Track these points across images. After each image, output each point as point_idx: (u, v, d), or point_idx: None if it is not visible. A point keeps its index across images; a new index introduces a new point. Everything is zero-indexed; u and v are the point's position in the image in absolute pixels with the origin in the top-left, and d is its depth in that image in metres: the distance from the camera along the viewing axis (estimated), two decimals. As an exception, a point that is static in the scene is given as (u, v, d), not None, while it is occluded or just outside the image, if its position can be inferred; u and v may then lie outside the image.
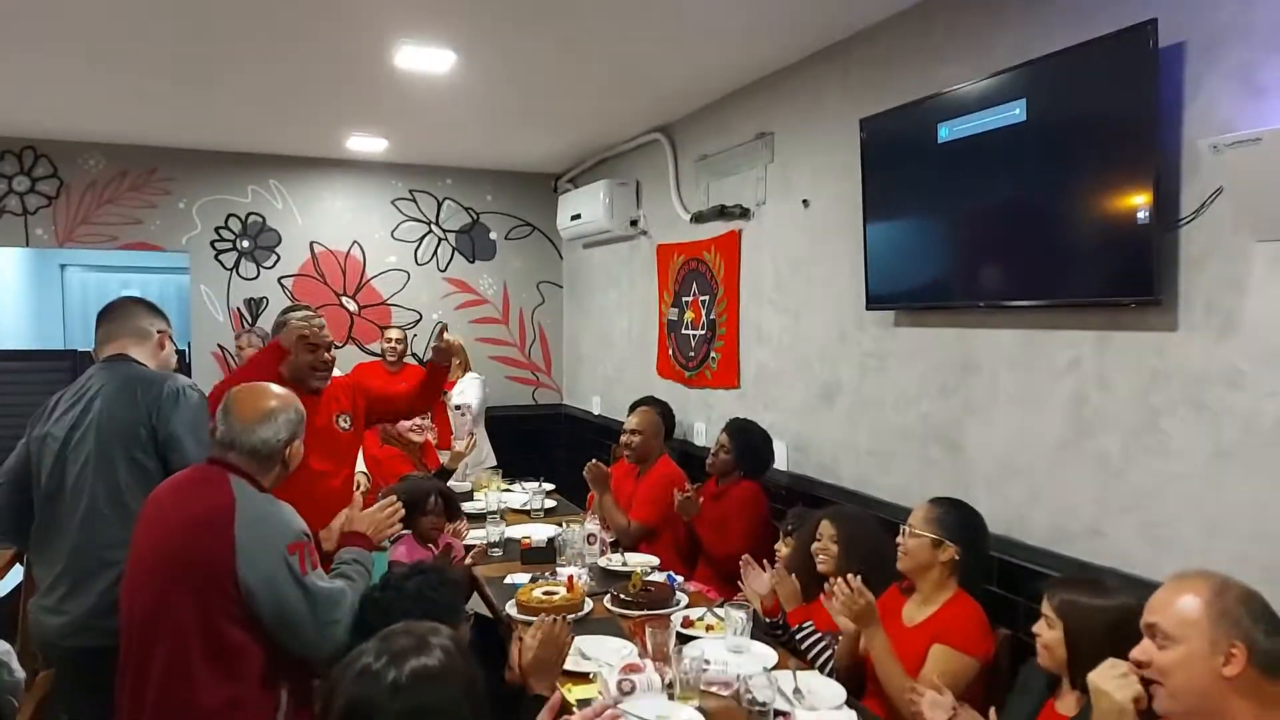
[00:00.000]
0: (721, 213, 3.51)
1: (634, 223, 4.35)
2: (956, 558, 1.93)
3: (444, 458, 3.62)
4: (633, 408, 3.64)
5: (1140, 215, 1.86)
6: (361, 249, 5.11)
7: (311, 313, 2.52)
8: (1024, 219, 2.12)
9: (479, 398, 4.38)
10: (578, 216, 4.60)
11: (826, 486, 2.93)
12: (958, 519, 1.96)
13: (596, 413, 4.99)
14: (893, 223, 2.59)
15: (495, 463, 4.51)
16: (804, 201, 3.04)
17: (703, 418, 3.78)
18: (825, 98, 2.93)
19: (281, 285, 4.98)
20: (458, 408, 3.70)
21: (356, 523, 1.92)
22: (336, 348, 4.92)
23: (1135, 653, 1.26)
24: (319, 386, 2.47)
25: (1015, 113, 2.10)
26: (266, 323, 4.66)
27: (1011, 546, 2.23)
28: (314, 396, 2.46)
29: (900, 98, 2.50)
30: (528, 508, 3.44)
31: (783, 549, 2.39)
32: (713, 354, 3.65)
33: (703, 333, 3.73)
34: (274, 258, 4.97)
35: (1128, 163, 1.87)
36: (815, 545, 2.15)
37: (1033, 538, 2.19)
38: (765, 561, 2.36)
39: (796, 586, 2.19)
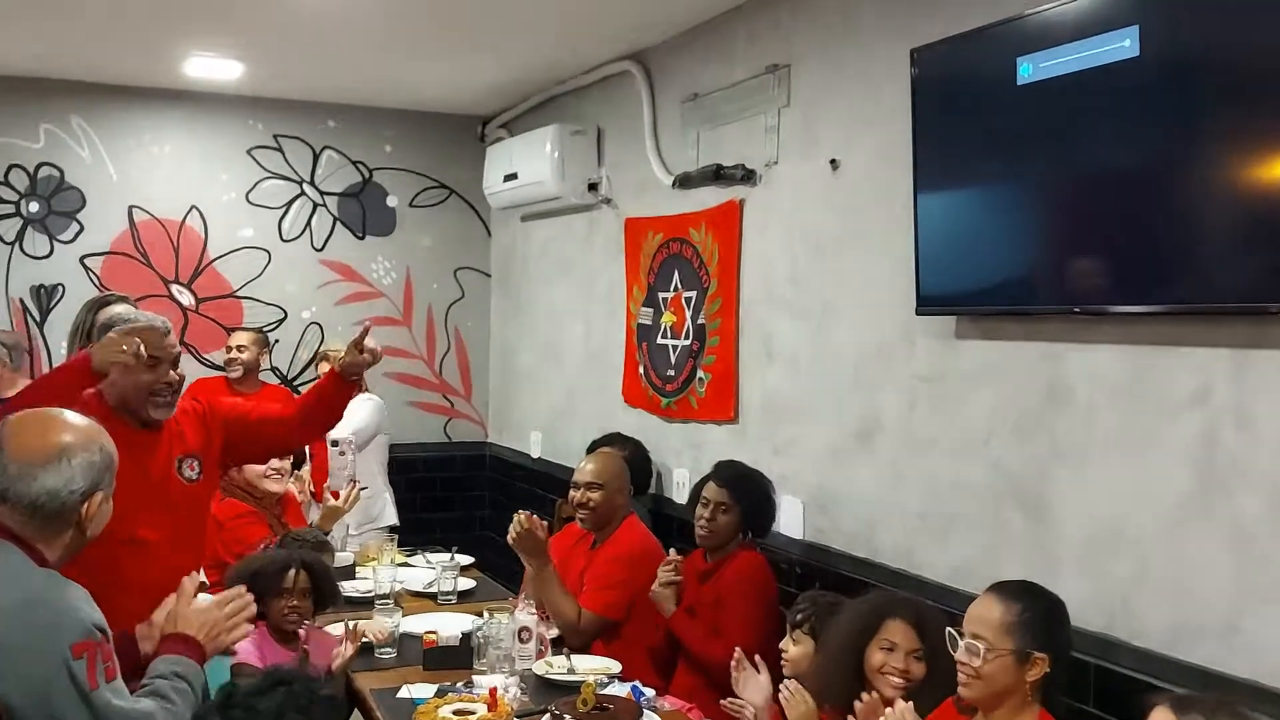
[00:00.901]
0: (717, 175, 3.53)
1: (593, 187, 4.37)
2: (1048, 671, 1.91)
3: (315, 516, 3.57)
4: (590, 450, 3.65)
5: (1292, 189, 1.89)
6: (203, 218, 5.08)
7: (133, 311, 2.46)
8: (1135, 192, 2.15)
9: (371, 427, 4.38)
10: (513, 177, 4.61)
11: (857, 563, 2.94)
12: (1043, 613, 1.94)
13: (536, 455, 5.00)
14: (955, 194, 2.60)
15: (394, 522, 4.52)
16: (831, 162, 3.05)
17: (686, 463, 3.78)
18: (862, 18, 2.96)
19: (85, 267, 4.92)
20: (335, 443, 3.66)
21: (184, 620, 1.86)
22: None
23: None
24: (160, 418, 2.42)
25: (1125, 45, 2.13)
26: (63, 320, 4.56)
27: (1113, 649, 2.24)
28: (147, 432, 2.41)
29: (966, 21, 2.52)
30: (434, 589, 3.43)
31: (791, 648, 2.38)
32: (700, 373, 3.66)
33: (687, 343, 3.74)
34: (75, 228, 4.90)
35: (1271, 116, 1.89)
36: (883, 656, 2.11)
37: (1143, 637, 2.20)
38: (759, 658, 2.36)
39: (812, 706, 2.17)
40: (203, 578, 2.63)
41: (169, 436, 2.46)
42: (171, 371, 2.40)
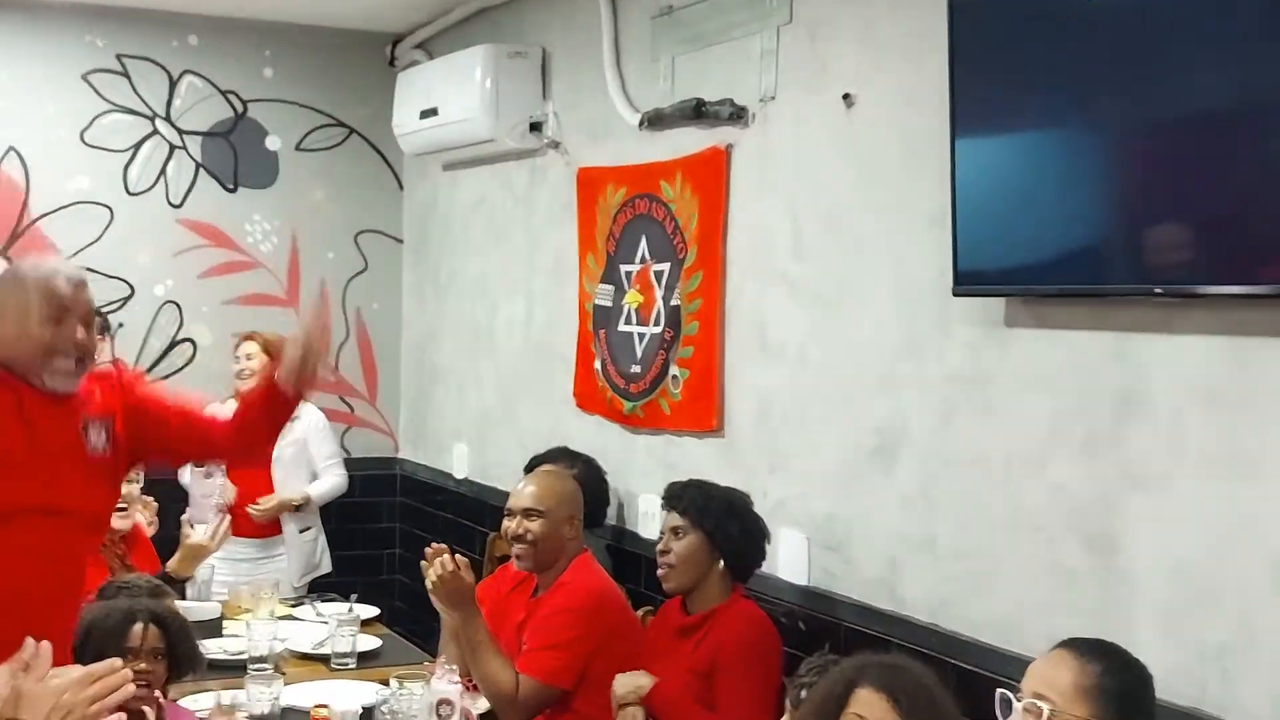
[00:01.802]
0: (698, 113, 3.52)
1: (536, 127, 4.37)
2: None
3: (191, 548, 3.60)
4: (528, 469, 3.64)
5: None
6: (23, 162, 5.03)
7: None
8: (1239, 140, 2.15)
9: (340, 482, 4.73)
10: (432, 113, 4.60)
11: (876, 617, 2.95)
12: (1129, 682, 1.95)
13: (461, 475, 5.01)
14: (1004, 141, 2.60)
15: (329, 569, 4.75)
16: (845, 97, 3.06)
17: (655, 486, 3.74)
18: (886, -88, 2.98)
19: None
20: (199, 462, 3.63)
21: (30, 702, 1.79)
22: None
23: None
24: (57, 388, 2.45)
25: (1224, -51, 2.15)
26: None
27: (1207, 727, 2.26)
28: (49, 399, 2.45)
29: (1020, -84, 2.55)
30: (326, 650, 3.42)
31: None
32: (675, 370, 3.65)
33: (658, 331, 3.74)
34: None
35: None
36: None
37: (1242, 712, 2.21)
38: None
39: None
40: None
41: (76, 400, 2.51)
42: (81, 330, 2.42)
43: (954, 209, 2.63)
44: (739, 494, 3.10)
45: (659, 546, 3.04)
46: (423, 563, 3.00)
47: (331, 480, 4.68)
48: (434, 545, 3.01)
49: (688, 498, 3.03)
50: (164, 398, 2.76)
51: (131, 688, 1.90)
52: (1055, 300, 2.56)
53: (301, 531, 4.61)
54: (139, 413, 2.63)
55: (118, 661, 1.92)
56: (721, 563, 2.99)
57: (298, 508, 4.57)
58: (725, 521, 3.00)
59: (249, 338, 4.59)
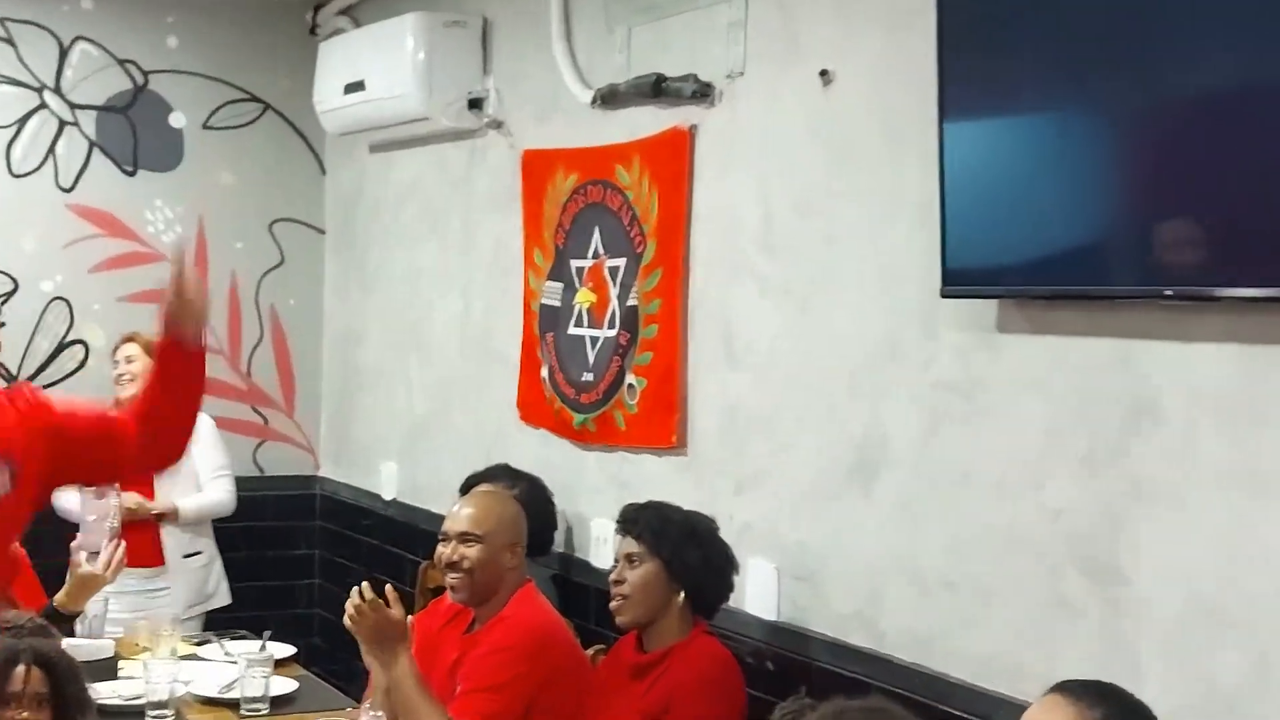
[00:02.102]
0: (657, 91, 3.54)
1: (476, 104, 4.37)
2: None
3: (82, 580, 3.47)
4: (466, 488, 3.62)
5: None
6: (-111, 139, 5.00)
7: None
8: (1258, 126, 2.15)
9: (223, 497, 4.64)
10: (358, 87, 4.59)
11: (854, 655, 2.96)
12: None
13: (389, 496, 5.00)
14: (998, 124, 2.62)
15: (228, 600, 4.68)
16: (822, 74, 3.07)
17: (609, 508, 3.74)
18: None
19: None
20: (100, 494, 3.60)
21: None
22: None
23: None
24: None
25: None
26: None
27: (1220, 776, 2.27)
28: None
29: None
30: (234, 695, 3.38)
31: None
32: (631, 379, 3.66)
33: (612, 335, 3.75)
34: None
35: None
36: None
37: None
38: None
39: None
40: None
41: None
42: None
43: (942, 199, 2.64)
44: (702, 518, 3.09)
45: (612, 576, 3.03)
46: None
47: (215, 495, 4.59)
48: (361, 585, 2.97)
49: (644, 521, 3.02)
50: (77, 411, 2.76)
51: None
52: (1053, 302, 2.58)
53: (186, 556, 4.52)
54: (56, 438, 2.62)
55: None
56: (681, 595, 2.98)
57: (160, 517, 4.44)
58: (685, 548, 2.99)
59: (130, 339, 4.55)
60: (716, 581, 3.03)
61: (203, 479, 4.57)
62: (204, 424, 4.53)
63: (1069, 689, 1.98)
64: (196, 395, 2.80)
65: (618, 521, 3.10)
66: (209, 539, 4.65)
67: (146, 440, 2.82)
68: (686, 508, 3.13)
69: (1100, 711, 1.92)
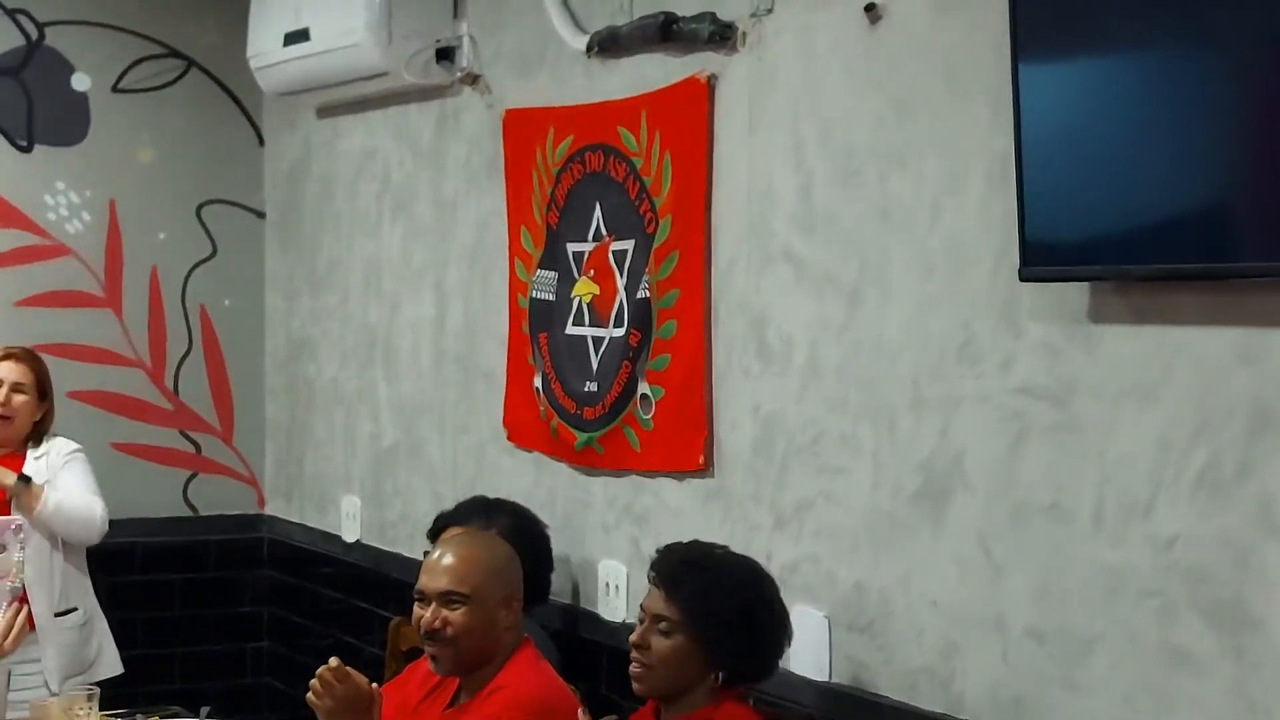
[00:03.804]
0: (667, 34, 3.56)
1: (446, 54, 4.41)
2: None
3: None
4: (438, 531, 3.66)
5: None
6: None
7: None
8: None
9: (78, 503, 4.45)
10: (302, 36, 4.62)
11: (922, 720, 2.95)
12: None
13: (351, 539, 5.03)
14: (1085, 65, 2.63)
15: (119, 670, 4.59)
16: (868, 8, 3.08)
17: (621, 549, 3.80)
18: None
19: None
20: (1, 546, 3.69)
21: None
22: None
23: None
24: None
25: None
26: None
27: None
28: None
29: None
30: None
31: None
32: (645, 388, 3.69)
33: (620, 334, 3.77)
34: None
35: None
36: None
37: None
38: None
39: None
40: None
41: None
42: None
43: (1018, 160, 2.65)
44: (762, 581, 3.03)
45: (634, 637, 2.99)
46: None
47: (84, 500, 4.44)
48: (331, 662, 2.98)
49: (687, 585, 2.95)
50: None
51: None
52: (1160, 284, 2.57)
53: (59, 615, 4.44)
54: None
55: None
56: (716, 676, 2.95)
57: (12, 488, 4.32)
58: (733, 633, 2.95)
59: (9, 355, 4.51)
60: (764, 663, 3.02)
61: None
62: (64, 445, 4.54)
63: None
64: None
65: (653, 569, 3.04)
66: (86, 592, 4.57)
67: None
68: (739, 556, 3.10)
69: None
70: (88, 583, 4.58)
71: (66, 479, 4.46)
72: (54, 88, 5.31)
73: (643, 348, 3.68)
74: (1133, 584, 2.61)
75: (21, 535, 3.82)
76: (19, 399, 4.41)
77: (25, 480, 4.28)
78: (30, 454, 4.44)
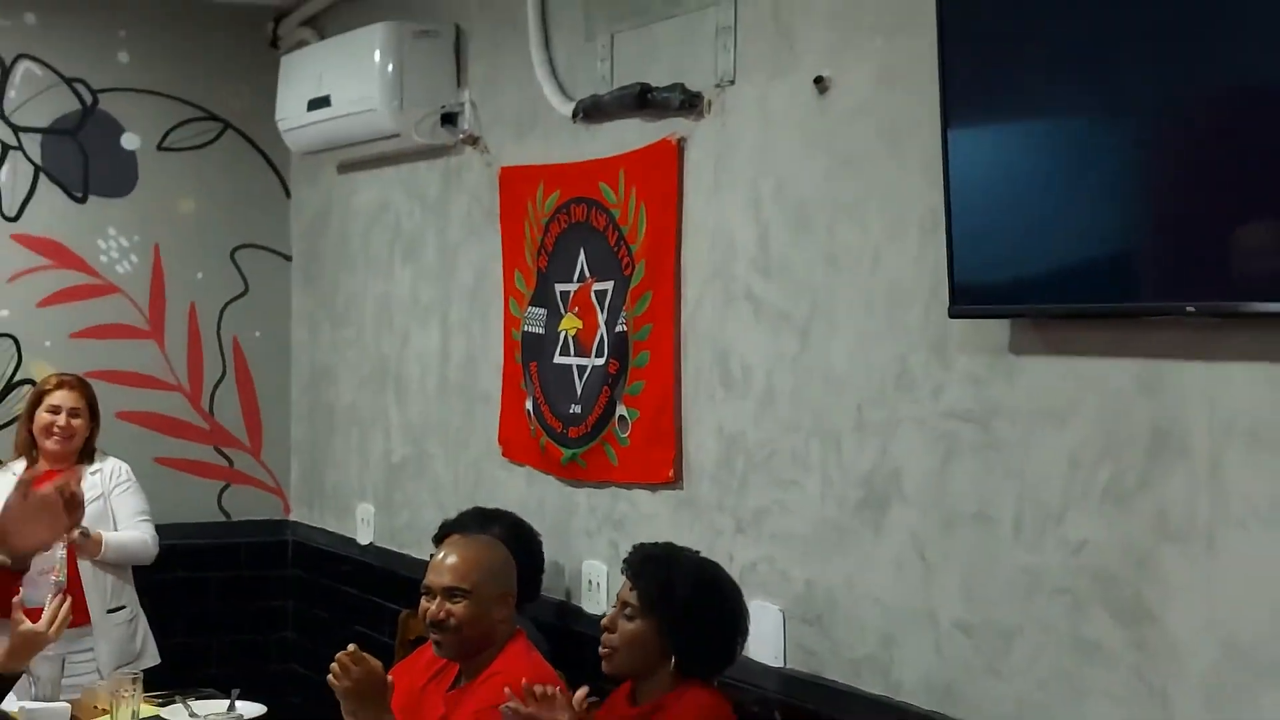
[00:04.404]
0: (642, 102, 3.56)
1: (450, 119, 4.41)
2: None
3: (25, 637, 3.45)
4: (442, 536, 3.63)
5: None
6: None
7: None
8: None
9: (146, 537, 4.51)
10: (324, 103, 4.63)
11: (866, 702, 2.96)
12: None
13: (366, 541, 5.01)
14: (1006, 130, 2.63)
15: (157, 660, 4.60)
16: (817, 80, 3.09)
17: (601, 550, 3.80)
18: None
19: None
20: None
21: None
22: None
23: None
24: None
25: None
26: None
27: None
28: None
29: None
30: None
31: None
32: (623, 410, 3.68)
33: (601, 364, 3.76)
34: None
35: None
36: None
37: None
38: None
39: None
40: None
41: None
42: None
43: (948, 212, 2.65)
44: (714, 580, 3.04)
45: (604, 620, 3.04)
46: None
47: (137, 533, 4.50)
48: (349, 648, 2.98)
49: (648, 574, 3.00)
50: None
51: None
52: (1071, 321, 2.59)
53: (110, 612, 4.47)
54: None
55: None
56: (671, 660, 2.96)
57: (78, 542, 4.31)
58: (686, 618, 2.95)
59: (64, 383, 4.48)
60: (716, 653, 3.01)
61: (121, 525, 4.49)
62: (117, 466, 4.54)
63: None
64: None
65: (624, 561, 3.10)
66: (131, 592, 4.58)
67: None
68: (701, 556, 3.12)
69: None
70: (132, 585, 4.57)
71: (122, 503, 4.49)
72: (106, 146, 5.30)
73: (620, 375, 3.68)
74: (1047, 583, 2.62)
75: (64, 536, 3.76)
76: (75, 422, 4.44)
77: (85, 534, 4.23)
78: (86, 470, 4.44)
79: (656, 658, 2.97)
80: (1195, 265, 2.32)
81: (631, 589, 3.00)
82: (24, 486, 2.75)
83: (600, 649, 3.03)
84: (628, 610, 2.99)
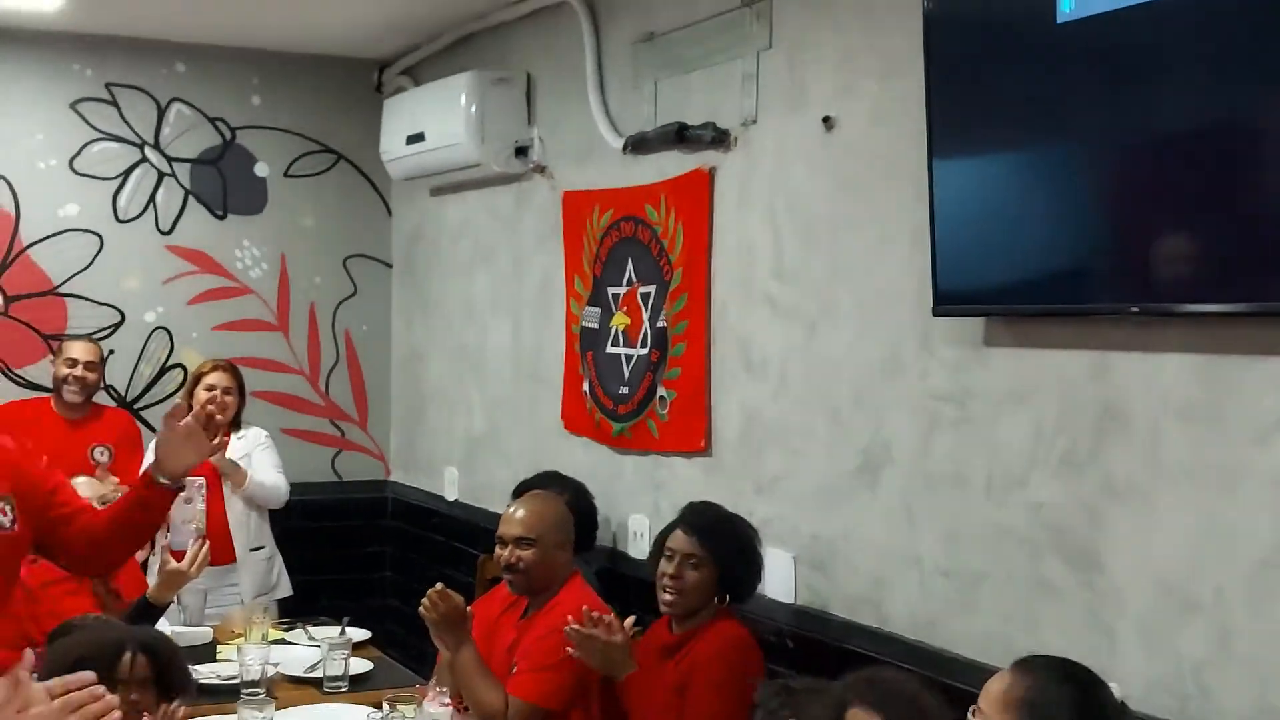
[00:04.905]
0: (680, 137, 3.55)
1: (522, 151, 4.39)
2: None
3: (171, 575, 3.48)
4: (519, 493, 3.61)
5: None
6: (13, 192, 5.03)
7: None
8: (1212, 160, 2.17)
9: (281, 482, 4.49)
10: (419, 138, 4.62)
11: (863, 633, 2.96)
12: (1044, 694, 1.94)
13: (452, 498, 5.00)
14: (981, 162, 2.63)
15: (289, 593, 4.59)
16: (825, 120, 3.08)
17: (644, 506, 3.78)
18: (862, -63, 3.00)
19: None
20: (180, 487, 3.61)
21: None
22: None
23: None
24: None
25: (1191, -27, 2.17)
26: None
27: (1189, 740, 2.27)
28: None
29: (993, -59, 2.57)
30: (318, 674, 3.40)
31: None
32: (662, 391, 3.67)
33: (645, 353, 3.75)
34: None
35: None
36: None
37: (1225, 725, 2.23)
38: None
39: None
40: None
41: None
42: None
43: (932, 228, 2.65)
44: (749, 530, 3.07)
45: (670, 570, 2.96)
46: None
47: (275, 478, 4.48)
48: (437, 587, 3.00)
49: (716, 533, 2.99)
50: (51, 476, 2.72)
51: (117, 715, 1.88)
52: (1034, 319, 2.58)
53: (252, 551, 4.47)
54: (38, 490, 2.61)
55: (99, 688, 1.90)
56: (723, 597, 2.99)
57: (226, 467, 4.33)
58: (738, 562, 3.00)
59: (218, 367, 4.47)
60: (752, 588, 3.05)
61: (259, 477, 4.49)
62: (258, 433, 4.56)
63: (1024, 661, 2.01)
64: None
65: (687, 523, 3.02)
66: (270, 535, 4.57)
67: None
68: (730, 511, 3.12)
69: (1031, 680, 1.95)
70: (269, 529, 4.58)
71: (261, 457, 4.50)
72: (242, 174, 5.31)
73: (661, 362, 3.67)
74: (1012, 535, 2.62)
75: (203, 491, 3.77)
76: (228, 398, 4.41)
77: (234, 464, 4.30)
78: (234, 436, 4.44)
79: (708, 599, 2.97)
80: (1137, 273, 2.33)
81: (700, 544, 2.95)
82: (171, 419, 2.76)
83: (666, 596, 2.97)
84: (692, 560, 2.94)
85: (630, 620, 2.90)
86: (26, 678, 1.84)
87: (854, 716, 2.11)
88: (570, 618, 2.86)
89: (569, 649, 2.85)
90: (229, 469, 4.28)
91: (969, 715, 1.99)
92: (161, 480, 2.70)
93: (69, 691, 1.84)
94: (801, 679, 2.50)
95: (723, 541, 2.99)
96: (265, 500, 4.49)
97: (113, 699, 1.89)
